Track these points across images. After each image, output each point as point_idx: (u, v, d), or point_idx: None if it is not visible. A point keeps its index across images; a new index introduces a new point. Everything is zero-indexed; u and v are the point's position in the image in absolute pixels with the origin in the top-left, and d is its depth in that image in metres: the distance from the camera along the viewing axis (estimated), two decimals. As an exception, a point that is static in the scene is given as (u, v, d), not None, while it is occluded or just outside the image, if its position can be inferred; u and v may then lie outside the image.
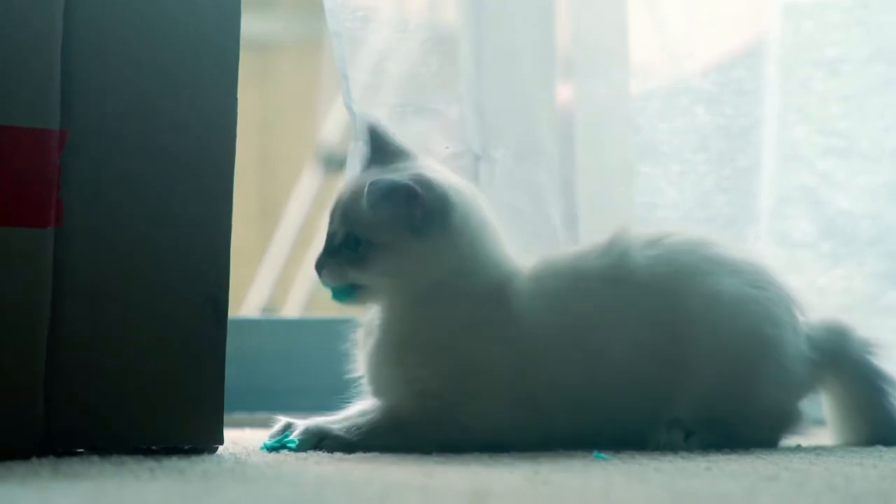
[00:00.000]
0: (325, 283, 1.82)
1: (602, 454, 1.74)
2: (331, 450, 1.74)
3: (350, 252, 1.80)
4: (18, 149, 1.62)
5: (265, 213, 4.32)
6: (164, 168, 1.69)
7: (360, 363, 1.87)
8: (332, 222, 1.83)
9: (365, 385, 1.85)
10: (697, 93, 2.34)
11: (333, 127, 4.24)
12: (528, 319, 1.80)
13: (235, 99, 1.73)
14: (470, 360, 1.79)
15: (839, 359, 1.90)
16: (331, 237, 1.82)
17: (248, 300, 4.00)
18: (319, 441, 1.77)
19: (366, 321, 1.88)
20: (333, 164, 4.20)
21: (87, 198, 1.66)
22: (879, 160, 2.36)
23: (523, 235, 2.13)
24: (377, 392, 1.83)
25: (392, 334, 1.82)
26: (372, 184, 1.76)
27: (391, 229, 1.79)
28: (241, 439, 1.93)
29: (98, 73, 1.66)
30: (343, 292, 1.82)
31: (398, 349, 1.81)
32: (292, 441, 1.77)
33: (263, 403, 2.50)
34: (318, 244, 4.07)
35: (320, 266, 1.82)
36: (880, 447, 1.86)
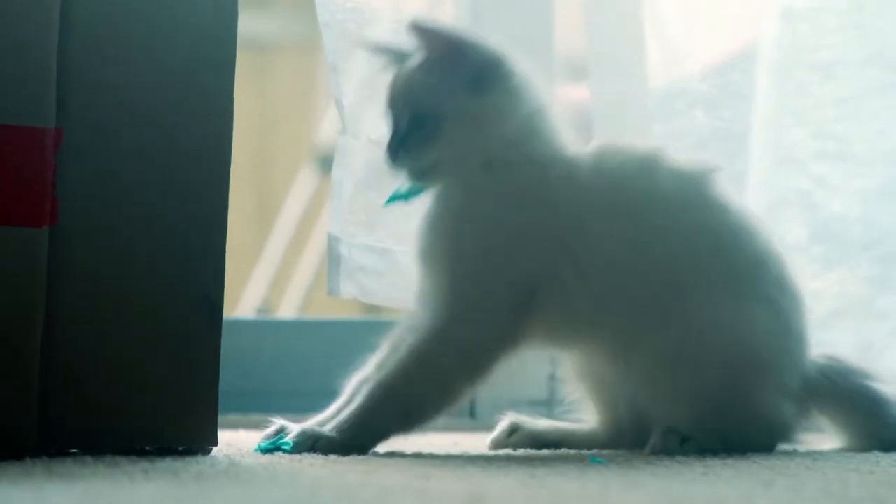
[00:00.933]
0: (401, 169, 1.80)
1: (599, 458, 1.74)
2: (325, 452, 1.74)
3: (419, 132, 1.79)
4: (14, 147, 1.61)
5: (261, 214, 4.31)
6: (159, 168, 1.69)
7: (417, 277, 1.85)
8: (392, 110, 1.82)
9: (417, 254, 1.84)
10: (695, 95, 2.34)
11: (330, 127, 4.23)
12: (586, 197, 1.80)
13: (232, 99, 1.72)
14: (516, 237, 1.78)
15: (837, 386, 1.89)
16: (396, 123, 1.81)
17: (243, 301, 4.00)
18: (314, 443, 1.75)
19: None
20: (330, 164, 4.20)
21: (83, 197, 1.65)
22: (873, 164, 2.36)
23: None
24: (426, 260, 1.82)
25: (447, 206, 1.81)
26: (417, 23, 1.77)
27: (450, 95, 1.78)
28: (236, 441, 1.92)
29: (94, 71, 1.66)
30: (419, 177, 1.80)
31: (452, 219, 1.80)
32: (286, 443, 1.77)
33: (258, 405, 2.49)
34: (314, 245, 4.06)
35: (395, 151, 1.80)
36: (877, 453, 1.85)
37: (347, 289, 2.14)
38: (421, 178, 1.81)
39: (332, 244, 2.12)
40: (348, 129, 2.09)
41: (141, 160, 1.68)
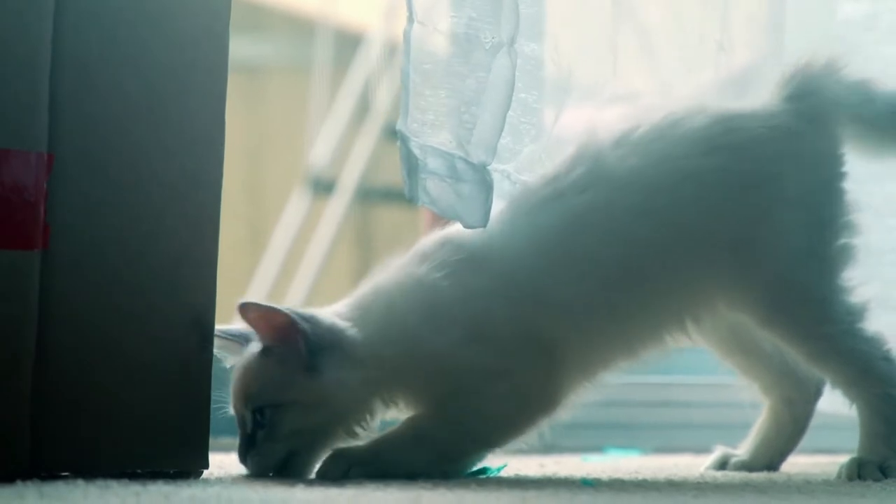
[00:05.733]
0: (258, 472, 1.76)
1: (590, 481, 1.74)
2: (358, 476, 1.72)
3: (261, 429, 1.75)
4: (5, 171, 1.61)
5: (253, 237, 4.31)
6: (151, 192, 1.69)
7: None
8: (236, 411, 1.78)
9: None
10: None
11: (322, 150, 4.24)
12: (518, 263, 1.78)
13: (223, 123, 1.73)
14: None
15: None
16: (242, 426, 1.77)
17: (235, 323, 3.99)
18: (348, 468, 1.73)
19: None
20: (322, 187, 4.20)
21: (74, 222, 1.65)
22: None
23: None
24: None
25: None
26: (246, 304, 1.74)
27: (286, 381, 1.74)
28: (227, 464, 1.92)
29: (85, 97, 1.66)
30: (285, 471, 1.75)
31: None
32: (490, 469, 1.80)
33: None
34: (306, 267, 4.05)
35: (244, 459, 1.76)
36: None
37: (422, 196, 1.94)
38: (287, 471, 1.75)
39: (403, 143, 1.91)
40: (416, 15, 1.91)
41: (132, 185, 1.68)
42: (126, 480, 1.62)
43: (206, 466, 1.73)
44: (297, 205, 4.17)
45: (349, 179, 4.13)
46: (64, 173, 1.64)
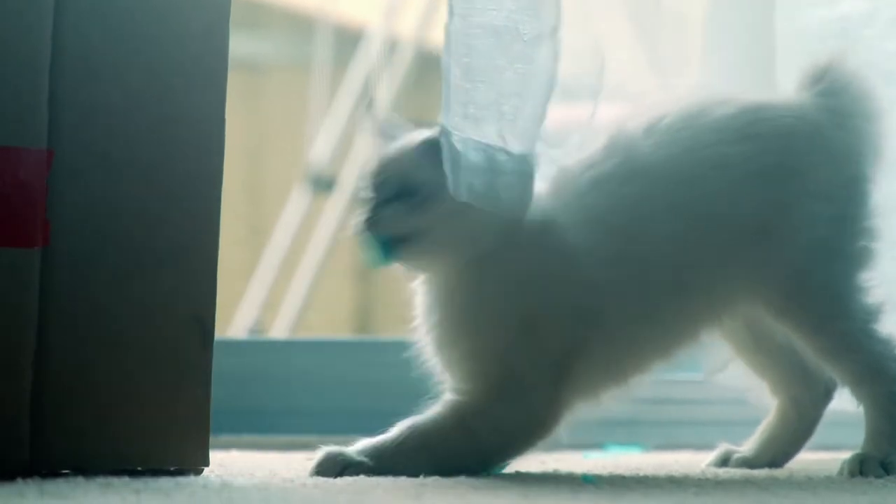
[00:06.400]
0: (374, 238, 1.75)
1: (591, 477, 1.73)
2: (356, 473, 1.71)
3: (407, 200, 1.76)
4: (5, 168, 1.61)
5: (253, 234, 4.31)
6: (151, 189, 1.69)
7: (427, 347, 1.82)
8: (376, 180, 1.78)
9: (440, 366, 1.80)
10: None
11: (322, 148, 4.24)
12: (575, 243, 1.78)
13: (224, 120, 1.73)
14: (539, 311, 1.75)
15: None
16: (380, 189, 1.77)
17: (235, 321, 4.00)
18: (342, 469, 1.72)
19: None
20: (322, 185, 4.20)
21: (74, 219, 1.65)
22: None
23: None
24: (457, 368, 1.78)
25: (460, 303, 1.77)
26: (425, 140, 1.75)
27: (444, 187, 1.74)
28: (228, 461, 1.92)
29: (85, 93, 1.66)
30: (391, 246, 1.75)
31: (475, 319, 1.76)
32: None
33: (250, 425, 2.49)
34: (306, 265, 4.04)
35: (375, 216, 1.76)
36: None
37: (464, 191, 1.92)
38: (388, 252, 1.76)
39: (446, 138, 1.88)
40: (455, 9, 1.88)
41: (132, 182, 1.68)
42: (127, 478, 1.62)
43: (207, 464, 1.73)
44: (297, 202, 4.16)
45: (349, 177, 4.13)
46: (64, 170, 1.64)
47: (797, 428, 1.98)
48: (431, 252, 1.78)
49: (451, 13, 1.86)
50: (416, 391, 2.58)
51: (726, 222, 1.80)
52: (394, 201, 1.76)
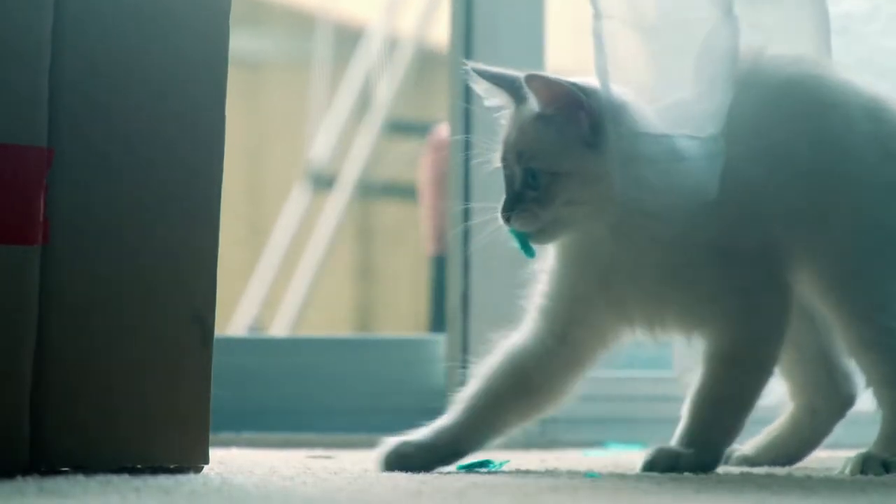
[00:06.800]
0: (513, 233, 1.77)
1: (593, 473, 1.74)
2: (686, 470, 1.76)
3: (533, 191, 1.76)
4: (5, 166, 1.61)
5: (254, 232, 4.32)
6: (151, 187, 1.69)
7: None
8: (506, 166, 1.79)
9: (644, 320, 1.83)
10: None
11: (322, 146, 4.24)
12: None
13: (223, 117, 1.73)
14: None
15: None
16: (510, 181, 1.78)
17: (235, 319, 4.00)
18: (676, 462, 1.78)
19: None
20: (322, 183, 4.20)
21: (74, 217, 1.65)
22: None
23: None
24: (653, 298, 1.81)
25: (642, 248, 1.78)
26: (532, 75, 1.74)
27: (565, 150, 1.75)
28: (228, 459, 1.92)
29: (86, 92, 1.66)
30: (534, 237, 1.77)
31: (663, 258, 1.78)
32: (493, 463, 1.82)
33: (250, 423, 2.49)
34: (306, 263, 4.04)
35: (508, 213, 1.76)
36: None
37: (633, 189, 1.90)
38: (537, 238, 1.78)
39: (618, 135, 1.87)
40: (602, 11, 1.87)
41: (132, 180, 1.68)
42: (126, 475, 1.62)
43: (207, 462, 1.73)
44: (297, 200, 4.17)
45: (349, 175, 4.13)
46: (64, 168, 1.64)
47: (807, 437, 1.98)
48: (570, 228, 1.78)
49: (597, 16, 1.84)
50: (415, 388, 2.59)
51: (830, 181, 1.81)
52: (524, 193, 1.76)
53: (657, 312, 1.81)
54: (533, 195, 1.76)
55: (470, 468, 1.81)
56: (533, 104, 1.77)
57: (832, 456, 1.96)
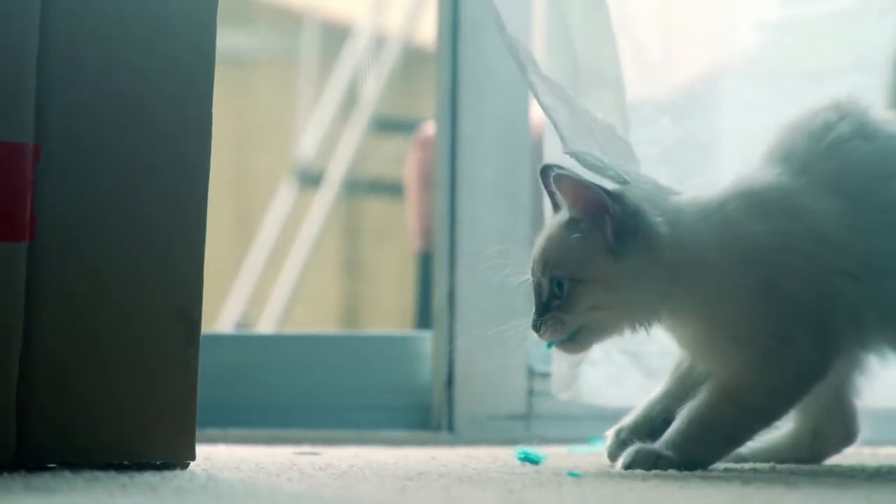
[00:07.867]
0: (549, 339, 1.79)
1: (576, 472, 1.74)
2: (665, 469, 1.75)
3: (557, 300, 1.77)
4: (-8, 162, 1.61)
5: (241, 229, 4.32)
6: (137, 183, 1.69)
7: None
8: (534, 275, 1.80)
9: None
10: (662, 105, 2.34)
11: (309, 143, 4.24)
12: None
13: (210, 114, 1.73)
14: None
15: None
16: (538, 292, 1.79)
17: (222, 315, 4.00)
18: (656, 461, 1.77)
19: None
20: (309, 180, 4.20)
21: (61, 213, 1.65)
22: None
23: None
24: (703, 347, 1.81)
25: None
26: (560, 175, 1.74)
27: (588, 258, 1.75)
28: (214, 455, 1.92)
29: (73, 88, 1.66)
30: (563, 346, 1.80)
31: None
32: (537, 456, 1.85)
33: (237, 419, 2.49)
34: (293, 260, 4.05)
35: (537, 326, 1.78)
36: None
37: None
38: (566, 347, 1.80)
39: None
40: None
41: (119, 176, 1.68)
42: (113, 472, 1.63)
43: (193, 458, 1.73)
44: (284, 197, 4.17)
45: (336, 172, 4.13)
46: (51, 165, 1.64)
47: (802, 457, 1.97)
48: (601, 335, 1.81)
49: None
50: (402, 385, 2.59)
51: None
52: (550, 302, 1.77)
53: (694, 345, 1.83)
54: (558, 303, 1.77)
55: (527, 458, 1.89)
56: (563, 212, 1.79)
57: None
